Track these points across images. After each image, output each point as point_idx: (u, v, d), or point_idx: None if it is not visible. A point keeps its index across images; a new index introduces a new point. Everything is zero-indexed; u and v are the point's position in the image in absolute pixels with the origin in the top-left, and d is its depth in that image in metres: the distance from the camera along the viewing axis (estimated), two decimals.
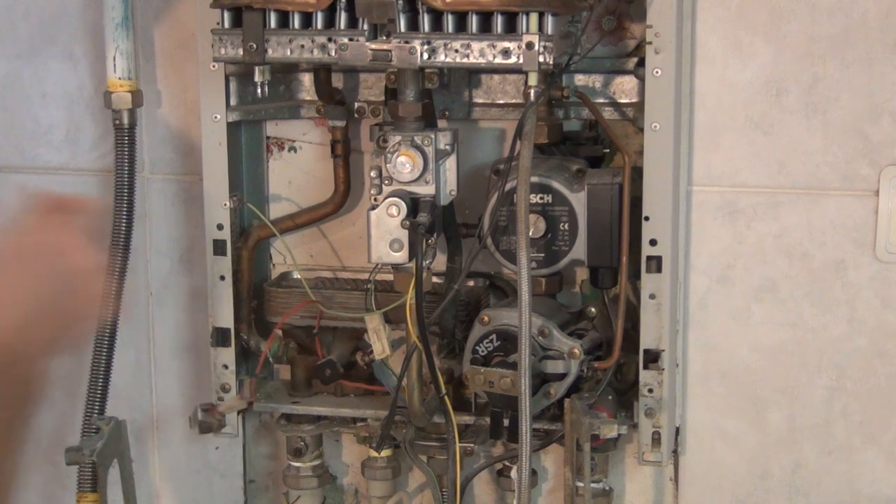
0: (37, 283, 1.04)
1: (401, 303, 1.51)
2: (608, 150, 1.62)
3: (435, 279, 1.56)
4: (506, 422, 1.55)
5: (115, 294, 1.67)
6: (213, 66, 1.59)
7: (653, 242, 1.53)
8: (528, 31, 1.40)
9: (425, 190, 1.50)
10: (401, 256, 1.50)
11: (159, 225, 1.78)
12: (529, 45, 1.40)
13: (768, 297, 1.61)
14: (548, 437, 1.59)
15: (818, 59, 1.54)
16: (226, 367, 1.66)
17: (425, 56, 1.43)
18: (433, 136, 1.49)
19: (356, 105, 1.67)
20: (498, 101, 1.64)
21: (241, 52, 1.48)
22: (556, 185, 1.52)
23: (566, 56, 1.53)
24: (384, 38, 1.45)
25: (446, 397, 1.56)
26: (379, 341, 1.58)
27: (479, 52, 1.42)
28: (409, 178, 1.49)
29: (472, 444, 1.62)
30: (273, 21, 1.47)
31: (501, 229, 1.54)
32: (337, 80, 1.66)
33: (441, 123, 1.61)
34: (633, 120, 1.59)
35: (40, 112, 1.79)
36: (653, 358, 1.56)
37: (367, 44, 1.45)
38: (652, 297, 1.54)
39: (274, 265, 1.76)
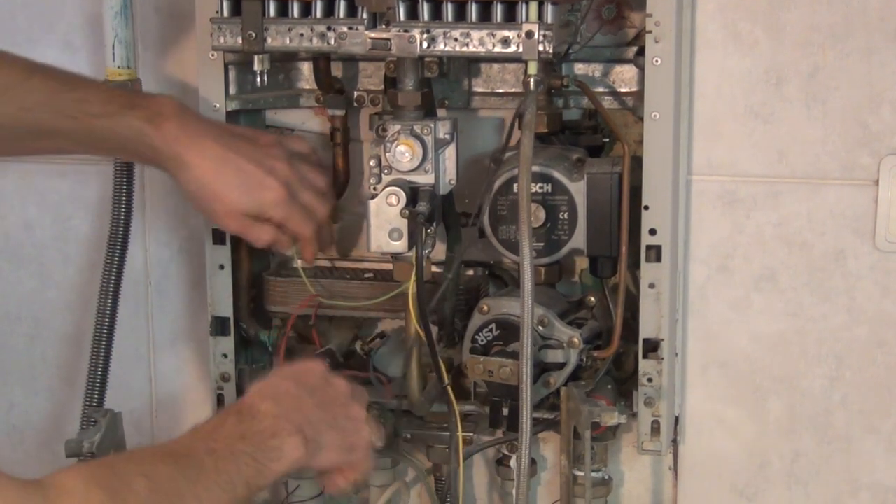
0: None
1: (401, 291, 1.51)
2: (608, 140, 1.62)
3: (434, 268, 1.56)
4: (505, 411, 1.55)
5: (114, 284, 1.67)
6: (213, 55, 1.59)
7: (652, 232, 1.53)
8: (527, 20, 1.40)
9: (424, 179, 1.50)
10: (400, 245, 1.50)
11: (158, 214, 1.78)
12: (529, 34, 1.40)
13: (768, 287, 1.61)
14: (541, 424, 1.59)
15: (818, 48, 1.54)
16: (225, 356, 1.66)
17: (425, 45, 1.43)
18: (432, 125, 1.49)
19: (355, 94, 1.67)
20: (497, 90, 1.64)
21: (240, 40, 1.48)
22: (556, 174, 1.52)
23: (566, 45, 1.53)
24: (383, 26, 1.45)
25: (449, 387, 1.55)
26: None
27: (478, 41, 1.42)
28: (409, 167, 1.49)
29: (471, 434, 1.62)
30: (272, 9, 1.47)
31: (501, 218, 1.54)
32: (336, 69, 1.66)
33: (440, 112, 1.61)
34: (633, 109, 1.59)
35: None
36: (652, 347, 1.56)
37: (367, 32, 1.45)
38: (651, 286, 1.54)
39: (273, 254, 1.76)
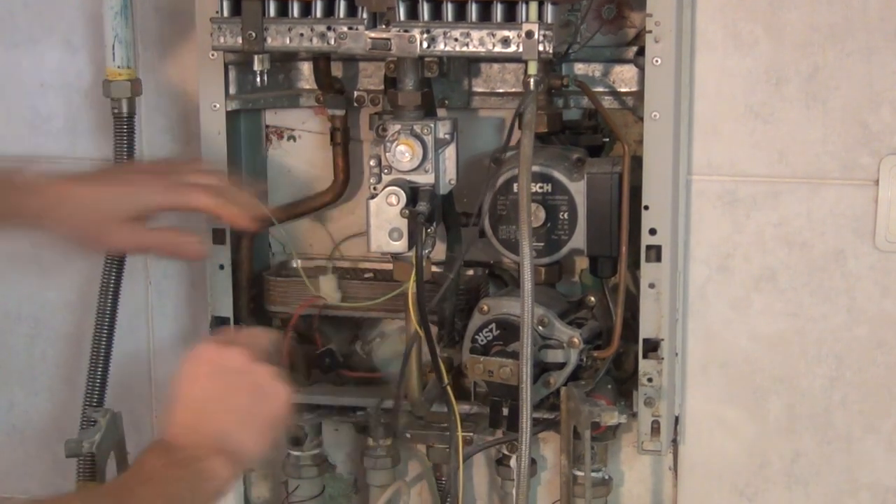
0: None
1: (401, 291, 1.51)
2: (608, 140, 1.62)
3: (434, 268, 1.56)
4: (505, 411, 1.55)
5: (115, 283, 1.67)
6: (213, 55, 1.59)
7: (652, 232, 1.53)
8: (527, 20, 1.40)
9: (424, 179, 1.50)
10: (400, 245, 1.50)
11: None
12: (529, 34, 1.40)
13: (768, 287, 1.61)
14: (541, 424, 1.59)
15: (818, 47, 1.54)
16: None
17: (425, 45, 1.43)
18: (432, 125, 1.49)
19: (355, 94, 1.67)
20: (497, 90, 1.64)
21: (240, 40, 1.48)
22: (556, 174, 1.52)
23: (566, 45, 1.53)
24: (383, 26, 1.45)
25: (448, 387, 1.55)
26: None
27: (478, 41, 1.42)
28: (409, 167, 1.49)
29: (471, 434, 1.62)
30: (272, 9, 1.47)
31: (501, 218, 1.54)
32: (336, 69, 1.66)
33: (440, 112, 1.61)
34: (633, 109, 1.59)
35: (39, 101, 1.79)
36: (652, 347, 1.56)
37: (367, 32, 1.45)
38: (651, 286, 1.54)
39: (273, 254, 1.76)
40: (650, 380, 1.56)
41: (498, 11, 1.41)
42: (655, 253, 1.53)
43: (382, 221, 1.49)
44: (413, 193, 1.49)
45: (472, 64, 1.63)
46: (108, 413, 1.57)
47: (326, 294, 1.63)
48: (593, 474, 1.60)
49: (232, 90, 1.63)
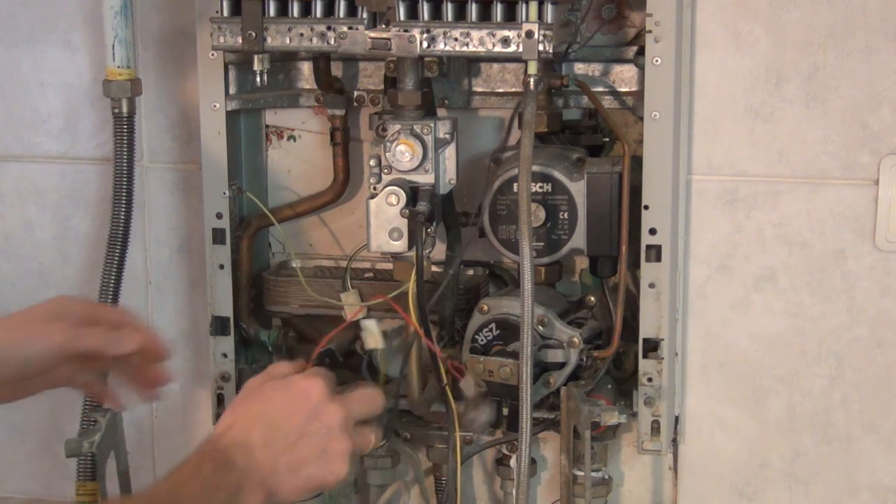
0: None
1: (401, 291, 1.51)
2: (608, 139, 1.62)
3: (434, 268, 1.56)
4: (505, 411, 1.55)
5: (114, 283, 1.67)
6: (212, 55, 1.59)
7: (652, 231, 1.53)
8: (527, 20, 1.40)
9: (424, 179, 1.50)
10: (400, 245, 1.50)
11: (158, 214, 1.78)
12: (529, 34, 1.40)
13: (768, 287, 1.61)
14: (541, 424, 1.59)
15: (818, 47, 1.54)
16: (225, 355, 1.66)
17: (424, 44, 1.43)
18: (432, 125, 1.49)
19: (355, 94, 1.67)
20: (497, 90, 1.64)
21: (239, 40, 1.48)
22: (556, 174, 1.52)
23: (566, 45, 1.53)
24: (383, 26, 1.45)
25: (447, 387, 1.55)
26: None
27: (478, 41, 1.42)
28: (409, 167, 1.49)
29: (471, 434, 1.62)
30: (272, 9, 1.47)
31: (501, 218, 1.54)
32: (336, 69, 1.66)
33: (440, 112, 1.61)
34: (633, 109, 1.59)
35: (39, 101, 1.79)
36: (652, 347, 1.56)
37: (366, 32, 1.45)
38: (651, 286, 1.54)
39: (273, 254, 1.76)
40: (650, 379, 1.56)
41: (498, 11, 1.41)
42: (655, 253, 1.53)
43: (382, 221, 1.49)
44: (413, 193, 1.49)
45: (472, 64, 1.63)
46: (108, 413, 1.57)
47: (350, 307, 1.63)
48: (593, 474, 1.60)
49: (232, 90, 1.63)
